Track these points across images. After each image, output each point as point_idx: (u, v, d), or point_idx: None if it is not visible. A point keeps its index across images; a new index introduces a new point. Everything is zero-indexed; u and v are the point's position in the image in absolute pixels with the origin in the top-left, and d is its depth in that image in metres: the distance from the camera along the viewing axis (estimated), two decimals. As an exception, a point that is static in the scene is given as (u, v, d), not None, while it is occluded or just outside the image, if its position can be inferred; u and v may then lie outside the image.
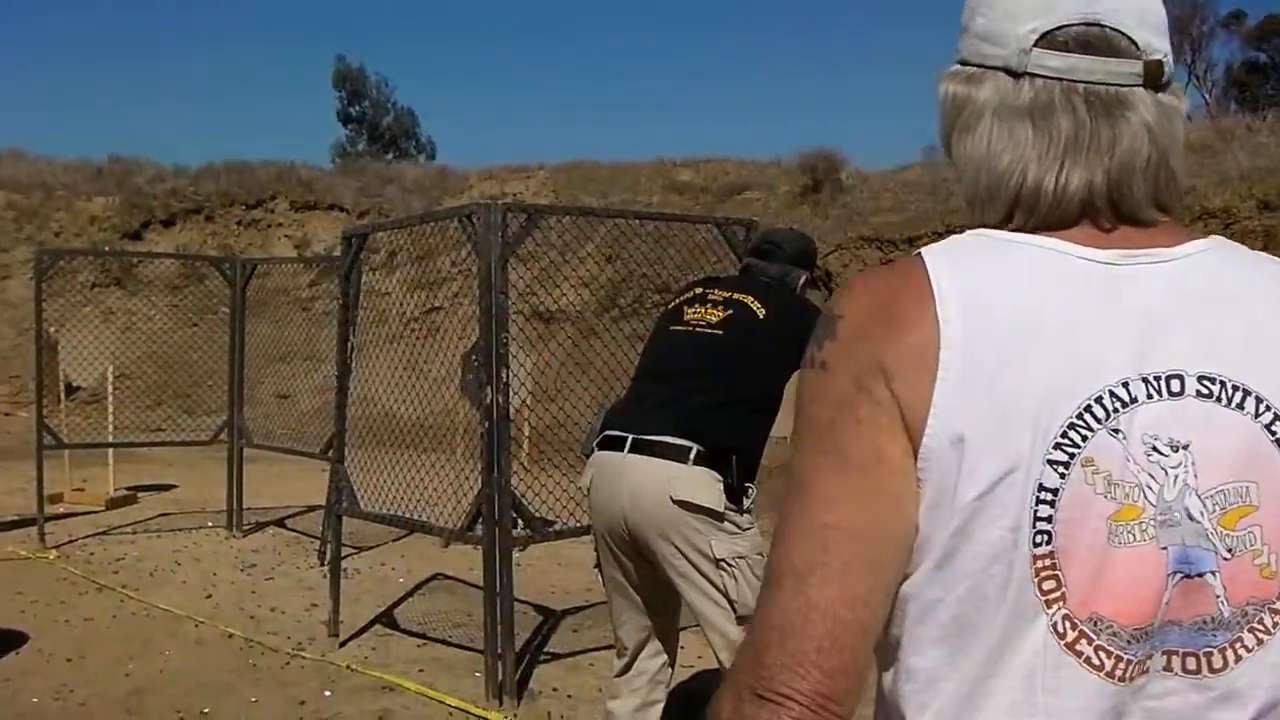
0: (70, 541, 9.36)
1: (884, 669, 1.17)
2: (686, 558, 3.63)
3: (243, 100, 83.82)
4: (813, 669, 1.07)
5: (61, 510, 10.39)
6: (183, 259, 18.98)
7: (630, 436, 3.69)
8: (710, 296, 3.92)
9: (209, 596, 7.63)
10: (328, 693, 5.65)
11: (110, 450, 11.33)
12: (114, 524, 10.25)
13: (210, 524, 10.22)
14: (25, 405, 18.24)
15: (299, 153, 50.63)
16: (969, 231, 1.20)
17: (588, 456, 3.89)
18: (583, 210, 6.08)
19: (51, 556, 8.76)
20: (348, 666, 6.04)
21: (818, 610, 1.08)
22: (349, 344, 6.81)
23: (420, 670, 6.00)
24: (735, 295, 3.90)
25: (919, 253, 1.17)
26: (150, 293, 19.55)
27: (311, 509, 10.75)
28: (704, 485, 3.60)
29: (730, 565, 3.61)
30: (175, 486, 12.46)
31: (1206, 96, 37.09)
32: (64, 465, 11.00)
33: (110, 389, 11.55)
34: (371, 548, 9.00)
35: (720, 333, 3.80)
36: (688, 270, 6.72)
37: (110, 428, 11.50)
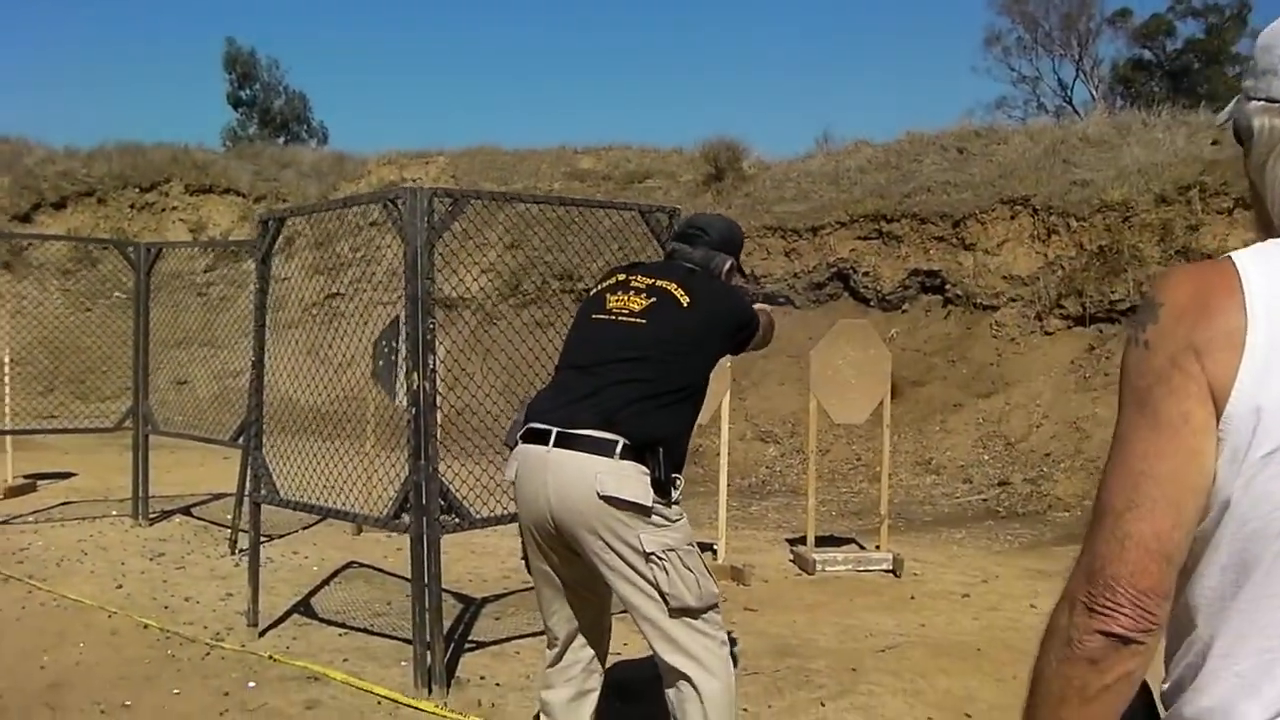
0: (-32, 531, 9.13)
1: (1180, 592, 1.45)
2: (615, 552, 3.60)
3: (131, 82, 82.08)
4: (1129, 588, 1.39)
5: (-43, 499, 10.13)
6: (85, 242, 18.61)
7: (554, 430, 3.62)
8: (633, 284, 3.87)
9: (120, 586, 7.47)
10: (252, 683, 5.56)
11: (8, 438, 11.05)
12: (14, 513, 10.01)
13: (114, 513, 10.03)
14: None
15: (189, 135, 49.74)
16: (1270, 240, 1.47)
17: (511, 448, 3.80)
18: (509, 196, 6.02)
19: (-43, 546, 8.54)
20: (270, 656, 5.95)
21: (1131, 540, 1.39)
22: (264, 328, 6.70)
23: (345, 660, 5.93)
24: (658, 282, 3.85)
25: (1229, 255, 1.44)
26: (41, 276, 19.14)
27: (217, 497, 10.63)
28: (630, 479, 3.55)
29: (660, 558, 3.58)
30: (75, 475, 12.20)
31: (1093, 91, 37.85)
32: (-40, 454, 10.73)
33: (7, 374, 11.27)
34: (282, 536, 8.89)
35: (643, 322, 3.75)
36: (591, 257, 6.71)
37: (7, 414, 11.22)
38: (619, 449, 3.55)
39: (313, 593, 7.36)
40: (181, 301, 12.15)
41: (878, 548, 8.29)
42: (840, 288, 15.11)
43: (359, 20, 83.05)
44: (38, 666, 5.81)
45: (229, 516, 9.00)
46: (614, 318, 3.79)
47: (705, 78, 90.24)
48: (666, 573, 3.60)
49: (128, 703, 5.29)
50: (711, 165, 18.74)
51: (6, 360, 11.37)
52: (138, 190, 21.99)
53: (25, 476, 11.43)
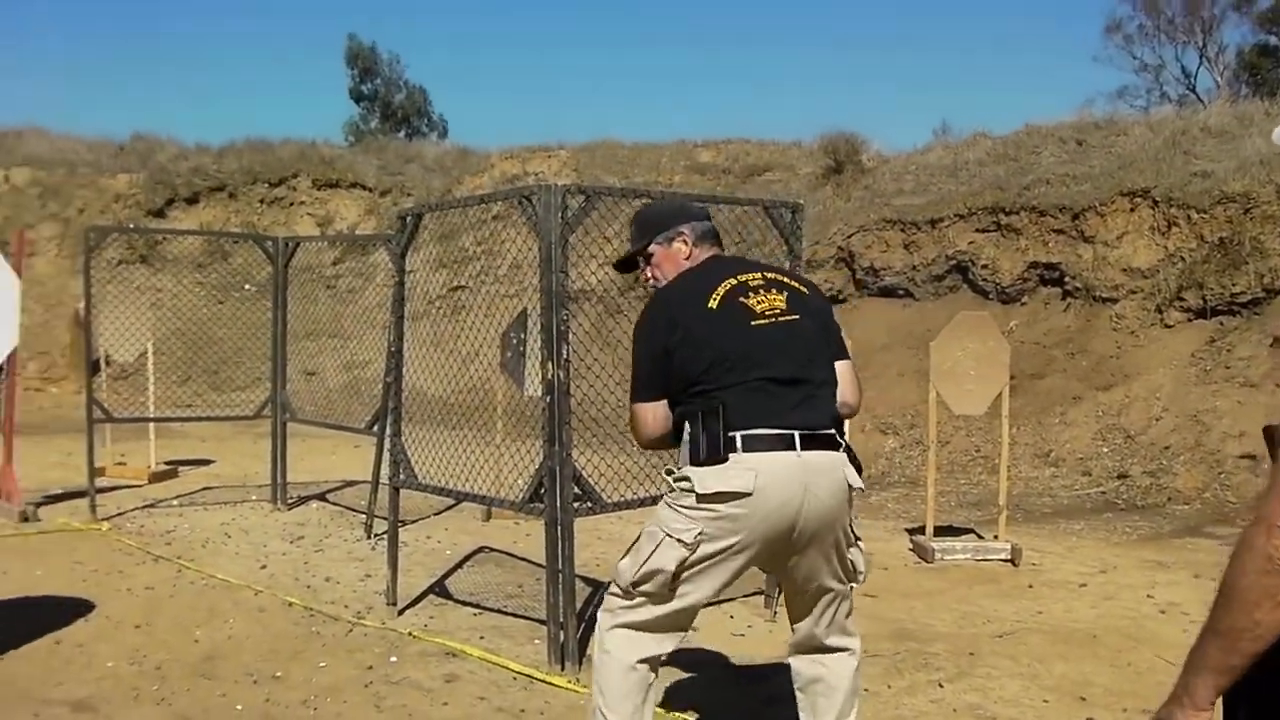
0: (120, 514, 9.59)
1: None
2: (841, 540, 3.74)
3: (258, 79, 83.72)
4: None
5: (105, 484, 10.56)
6: (224, 237, 19.19)
7: (797, 433, 3.60)
8: (751, 282, 3.84)
9: (263, 567, 7.83)
10: (393, 658, 5.83)
11: (151, 425, 11.52)
12: (159, 497, 10.48)
13: (254, 498, 10.45)
14: (56, 381, 18.48)
15: (314, 131, 50.64)
16: None
17: (707, 462, 3.58)
18: (637, 192, 6.19)
19: (104, 528, 8.98)
20: (410, 633, 6.24)
21: None
22: (403, 320, 6.97)
23: (481, 637, 6.19)
24: (766, 274, 3.90)
25: None
26: (176, 270, 19.77)
27: (350, 483, 10.99)
28: (851, 469, 3.72)
29: (859, 539, 3.86)
30: (213, 461, 12.66)
31: (1218, 79, 37.10)
32: (105, 440, 11.19)
33: (151, 365, 11.76)
34: (415, 521, 9.20)
35: (797, 317, 3.78)
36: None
37: (151, 403, 11.71)
38: (843, 443, 3.75)
39: (447, 575, 7.64)
40: (311, 294, 12.57)
41: (996, 537, 8.36)
42: (959, 280, 15.14)
43: (474, 13, 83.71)
44: (192, 640, 6.13)
45: (363, 502, 9.35)
46: (774, 320, 3.76)
47: (825, 70, 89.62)
48: (860, 553, 3.87)
49: (278, 674, 5.58)
50: (831, 158, 18.82)
51: (150, 350, 11.86)
52: (267, 185, 22.58)
53: (167, 463, 11.91)
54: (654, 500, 6.32)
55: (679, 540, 3.59)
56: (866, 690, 5.32)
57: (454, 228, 18.68)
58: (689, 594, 3.68)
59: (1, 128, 23.87)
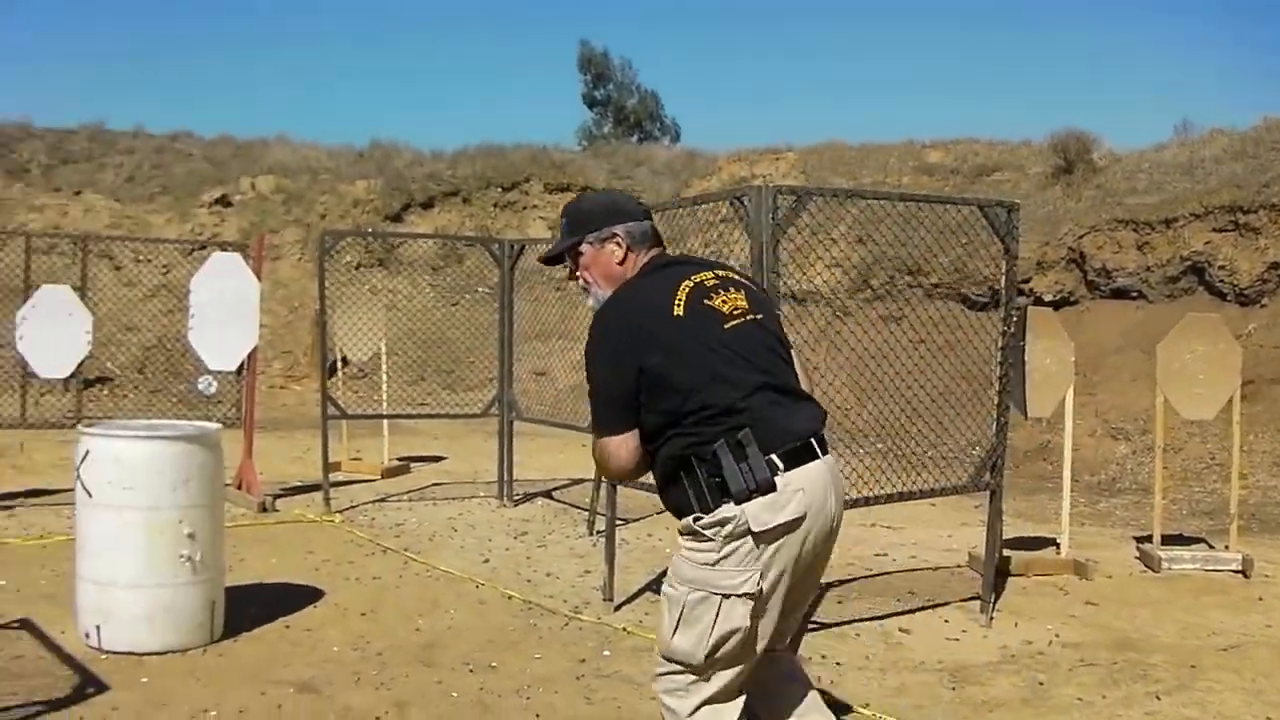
0: (352, 507, 9.90)
1: None
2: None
3: (491, 86, 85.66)
4: None
5: (340, 478, 10.91)
6: (454, 240, 19.67)
7: (810, 440, 3.29)
8: (707, 281, 3.44)
9: (486, 561, 8.00)
10: (606, 652, 5.89)
11: (385, 422, 11.87)
12: (390, 492, 10.79)
13: (481, 494, 10.67)
14: (298, 379, 19.21)
15: (547, 136, 51.50)
16: None
17: (757, 493, 3.16)
18: (850, 192, 6.16)
19: (337, 520, 9.29)
20: (624, 629, 6.29)
21: None
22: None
23: (692, 633, 6.20)
24: (718, 272, 3.50)
25: None
26: (411, 273, 20.33)
27: (576, 482, 11.14)
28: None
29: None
30: (444, 458, 12.98)
31: None
32: (341, 436, 11.58)
33: (384, 364, 12.13)
34: (636, 520, 9.25)
35: (761, 316, 3.44)
36: (936, 252, 6.75)
37: (384, 401, 12.08)
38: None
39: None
40: (540, 295, 12.71)
41: (1226, 548, 8.03)
42: (1194, 281, 14.56)
43: (707, 18, 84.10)
44: (414, 629, 6.30)
45: (587, 500, 9.46)
46: (742, 319, 3.39)
47: (1056, 67, 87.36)
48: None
49: (494, 664, 5.69)
50: (1061, 157, 18.32)
51: (384, 350, 12.24)
52: (500, 190, 23.06)
53: (399, 459, 12.26)
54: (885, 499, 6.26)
55: (741, 596, 3.16)
56: (1079, 700, 5.18)
57: (682, 230, 18.63)
58: (760, 637, 3.27)
59: (249, 138, 24.95)
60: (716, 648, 3.19)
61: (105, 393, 17.11)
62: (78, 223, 20.32)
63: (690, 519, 3.22)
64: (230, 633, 6.03)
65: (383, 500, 10.34)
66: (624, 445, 3.33)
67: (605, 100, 40.54)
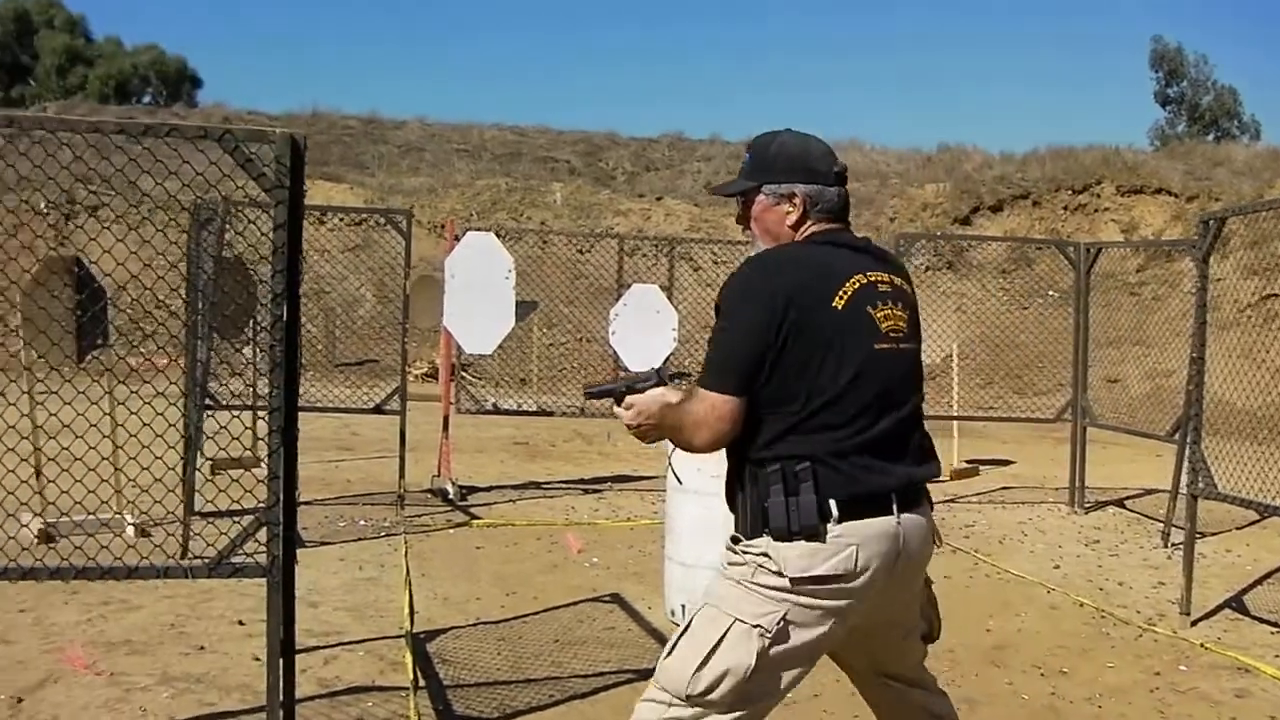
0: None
1: None
2: (918, 601, 3.22)
3: (1061, 85, 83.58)
4: None
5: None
6: (1024, 243, 19.52)
7: (896, 492, 2.92)
8: (879, 285, 3.03)
9: (1057, 567, 7.98)
10: (1183, 667, 5.78)
11: (954, 424, 12.00)
12: (959, 493, 10.92)
13: (1050, 500, 10.59)
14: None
15: (1118, 137, 49.86)
16: None
17: (798, 536, 2.84)
18: None
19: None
20: (1202, 644, 6.13)
21: None
22: (1204, 326, 6.84)
23: (1276, 656, 5.96)
24: (894, 279, 3.09)
25: None
26: (980, 276, 20.29)
27: (1149, 492, 10.82)
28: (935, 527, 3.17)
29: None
30: (1012, 462, 12.94)
31: None
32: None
33: (955, 366, 12.25)
34: (1215, 534, 8.93)
35: (913, 346, 3.09)
36: None
37: (955, 403, 12.20)
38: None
39: (1245, 590, 7.37)
40: (1114, 301, 12.51)
41: None
42: None
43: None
44: (984, 629, 6.41)
45: (1161, 511, 9.21)
46: (896, 346, 3.01)
47: None
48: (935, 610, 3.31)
49: (1065, 670, 5.71)
50: None
51: (955, 354, 12.36)
52: (1070, 192, 22.61)
53: (968, 461, 12.33)
54: None
55: (756, 628, 2.83)
56: None
57: (1265, 233, 17.69)
58: (766, 695, 2.89)
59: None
60: (710, 684, 2.81)
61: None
62: (659, 226, 21.69)
63: (732, 535, 2.99)
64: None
65: (951, 501, 10.47)
66: (731, 411, 2.90)
67: (1179, 98, 38.84)
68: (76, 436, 4.99)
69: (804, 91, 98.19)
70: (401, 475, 9.03)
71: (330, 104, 27.79)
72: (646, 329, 10.34)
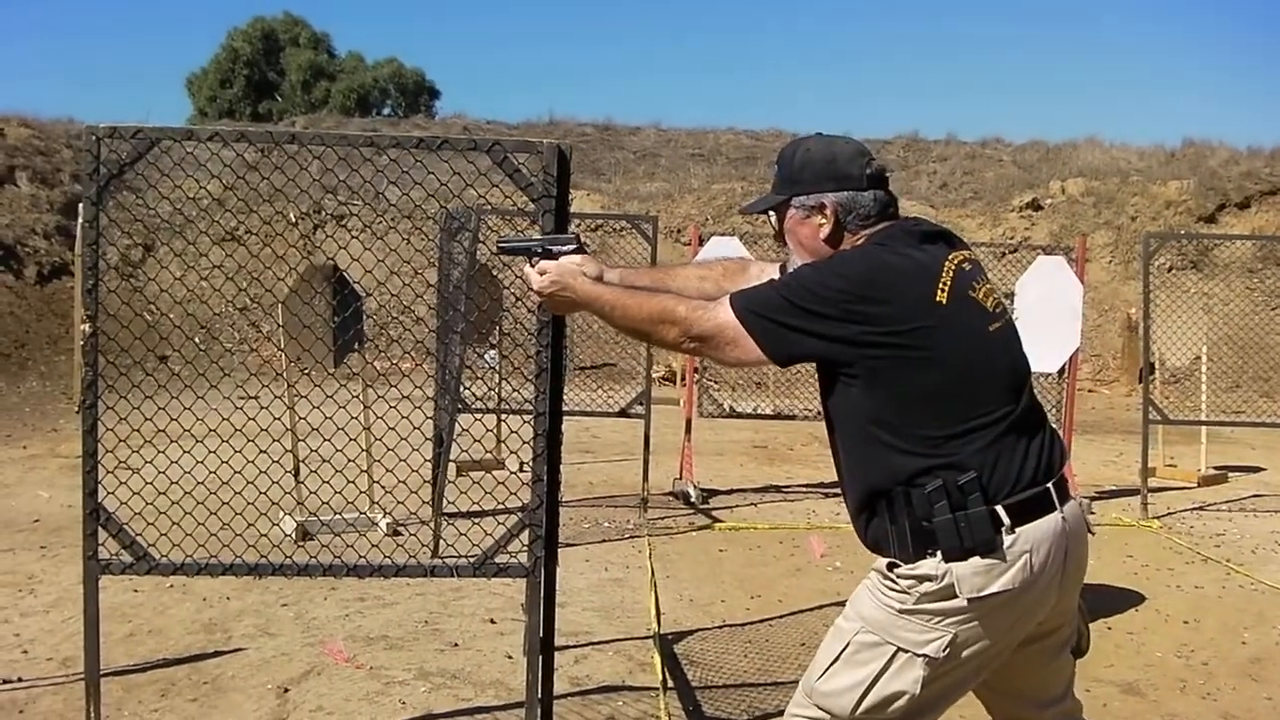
0: (1169, 514, 9.86)
1: None
2: (1082, 606, 3.04)
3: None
4: None
5: (1155, 484, 10.86)
6: (1276, 241, 18.86)
7: (1048, 488, 2.75)
8: (967, 267, 2.86)
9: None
10: None
11: (1203, 429, 11.69)
12: (1208, 501, 10.62)
13: (1313, 508, 10.26)
14: (1107, 383, 19.20)
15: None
16: None
17: (974, 553, 2.68)
18: None
19: (1155, 526, 9.32)
20: None
21: None
22: None
23: None
24: (970, 254, 2.94)
25: None
26: (1227, 276, 19.63)
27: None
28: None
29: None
30: (1263, 469, 12.51)
31: None
32: (1157, 441, 11.52)
33: (1204, 370, 11.93)
34: None
35: (1009, 315, 2.92)
36: None
37: (1203, 407, 11.88)
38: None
39: None
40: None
41: None
42: None
43: None
44: (1239, 641, 6.28)
45: None
46: (1003, 321, 2.86)
47: None
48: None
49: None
50: None
51: (1204, 355, 12.03)
52: (1328, 188, 21.68)
53: (1216, 468, 11.98)
54: None
55: (921, 656, 2.70)
56: None
57: None
58: (933, 711, 2.80)
59: (1059, 141, 25.20)
60: (874, 708, 2.72)
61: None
62: (896, 228, 21.57)
63: (886, 563, 2.79)
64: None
65: (1201, 508, 10.20)
66: (744, 350, 2.79)
67: None
68: (325, 439, 5.28)
69: (1039, 89, 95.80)
70: (645, 478, 9.22)
71: (566, 112, 28.29)
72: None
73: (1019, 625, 2.75)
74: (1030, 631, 2.81)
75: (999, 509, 2.66)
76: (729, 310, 2.77)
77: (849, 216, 2.91)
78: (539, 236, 3.38)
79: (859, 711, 2.72)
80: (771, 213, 3.05)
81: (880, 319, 2.66)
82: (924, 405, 2.70)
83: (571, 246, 3.23)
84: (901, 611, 2.72)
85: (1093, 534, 2.98)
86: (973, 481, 2.66)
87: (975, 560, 2.65)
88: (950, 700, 2.80)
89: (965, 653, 2.70)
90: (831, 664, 2.79)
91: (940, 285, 2.73)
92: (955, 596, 2.66)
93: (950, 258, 2.81)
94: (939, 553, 2.68)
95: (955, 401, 2.70)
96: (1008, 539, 2.66)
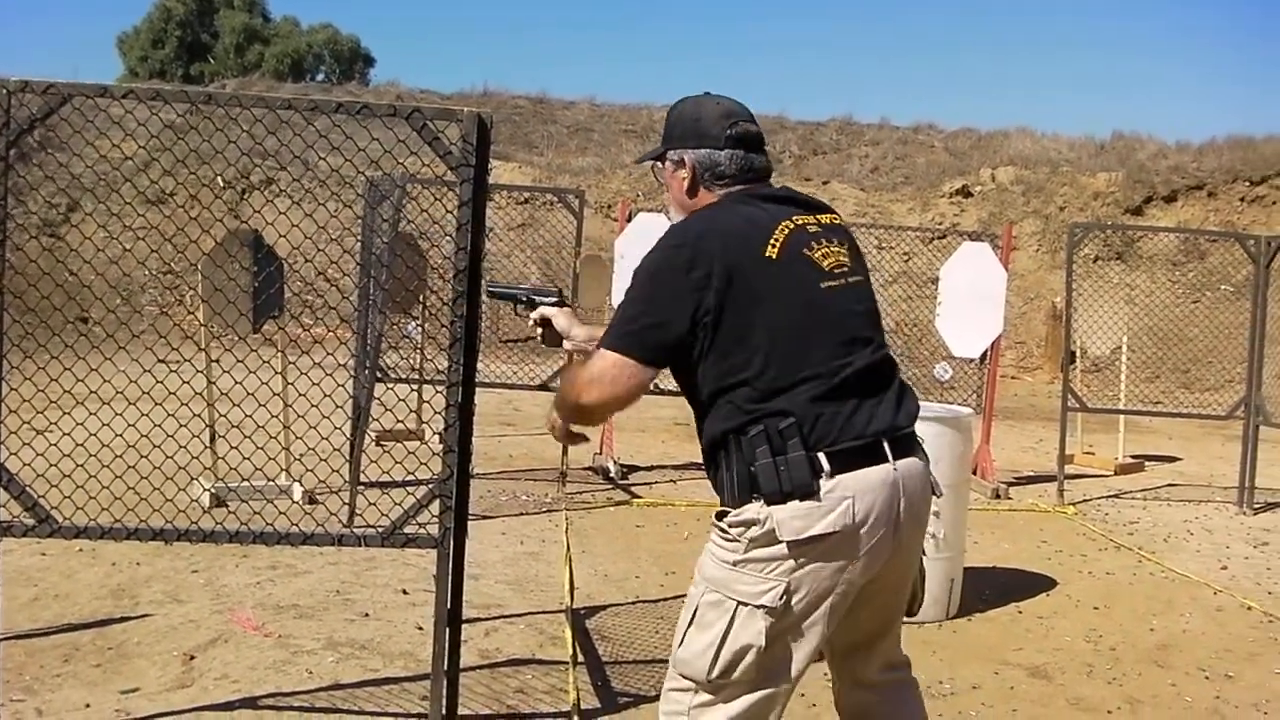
0: (1085, 500, 9.95)
1: None
2: (918, 565, 3.09)
3: (1239, 74, 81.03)
4: None
5: (1071, 470, 10.94)
6: (1201, 235, 19.07)
7: (885, 439, 2.83)
8: (811, 228, 2.96)
9: (1224, 568, 7.81)
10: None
11: (1121, 418, 11.80)
12: (1124, 488, 10.71)
13: (1218, 499, 10.33)
14: (1030, 370, 19.37)
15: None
16: None
17: (792, 497, 2.74)
18: None
19: (1070, 512, 9.40)
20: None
21: None
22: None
23: None
24: (825, 219, 3.04)
25: None
26: (1151, 268, 19.84)
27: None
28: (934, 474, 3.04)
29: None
30: (1179, 459, 12.66)
31: None
32: (1075, 429, 11.62)
33: (1124, 360, 12.04)
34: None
35: (861, 278, 3.02)
36: None
37: (1121, 397, 12.00)
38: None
39: None
40: (1287, 297, 12.07)
41: None
42: None
43: None
44: (1148, 628, 6.33)
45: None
46: (845, 282, 2.94)
47: None
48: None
49: (1230, 673, 5.62)
50: None
51: (1125, 346, 12.14)
52: (1247, 184, 21.89)
53: (1133, 456, 12.10)
54: None
55: (759, 607, 2.76)
56: None
57: None
58: (790, 665, 2.83)
59: (991, 129, 25.34)
60: (728, 665, 2.77)
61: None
62: (825, 210, 21.60)
63: (717, 512, 2.88)
64: (964, 611, 6.38)
65: (1116, 496, 10.30)
66: (632, 377, 2.82)
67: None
68: (238, 406, 5.18)
69: (973, 77, 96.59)
70: (565, 452, 9.18)
71: (500, 83, 28.04)
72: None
73: (851, 573, 2.79)
74: (876, 585, 2.89)
75: (820, 455, 2.73)
76: (601, 353, 2.85)
77: (705, 174, 3.02)
78: (525, 286, 3.61)
79: (715, 673, 2.78)
80: (656, 164, 3.17)
81: (709, 278, 2.77)
82: (753, 357, 2.77)
83: (553, 299, 3.47)
84: (736, 564, 2.78)
85: (938, 494, 3.02)
86: (792, 426, 2.74)
87: (794, 504, 2.72)
88: (802, 659, 2.82)
89: (800, 602, 2.75)
90: (686, 630, 2.85)
91: (771, 241, 2.83)
92: (779, 542, 2.72)
93: (792, 217, 2.92)
94: (761, 497, 2.75)
95: (782, 355, 2.78)
96: (825, 484, 2.73)
